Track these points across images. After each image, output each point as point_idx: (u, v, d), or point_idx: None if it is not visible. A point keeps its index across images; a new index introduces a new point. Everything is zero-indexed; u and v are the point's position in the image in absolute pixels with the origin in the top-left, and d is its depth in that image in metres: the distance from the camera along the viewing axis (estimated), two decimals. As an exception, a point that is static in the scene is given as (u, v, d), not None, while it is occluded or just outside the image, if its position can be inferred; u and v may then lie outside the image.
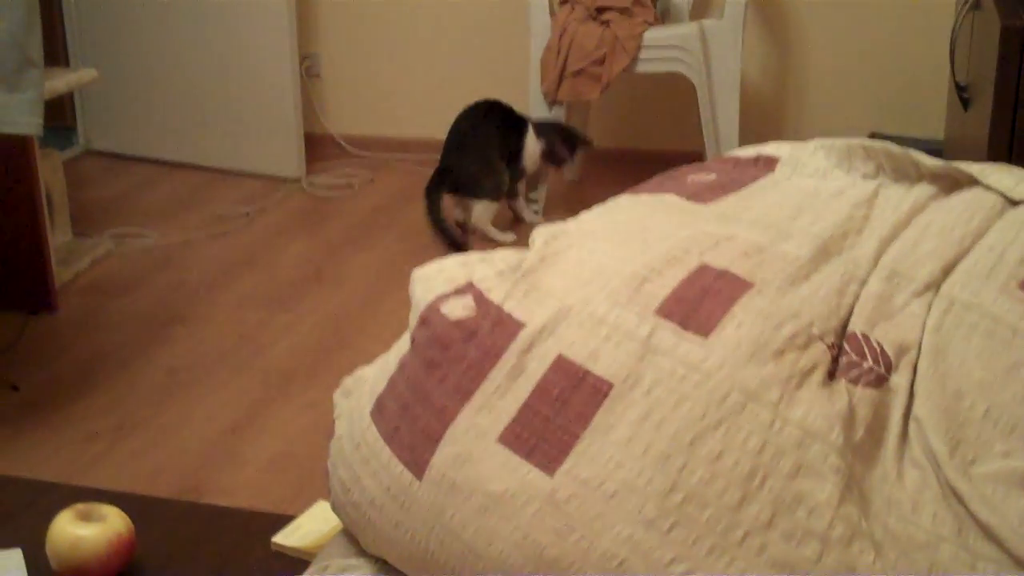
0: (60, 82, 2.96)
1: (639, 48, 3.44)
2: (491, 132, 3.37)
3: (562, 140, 3.46)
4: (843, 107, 3.91)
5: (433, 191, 3.31)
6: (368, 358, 2.30)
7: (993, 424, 1.01)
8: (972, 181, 1.22)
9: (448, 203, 3.38)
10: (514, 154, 3.42)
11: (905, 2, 3.75)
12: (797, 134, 3.99)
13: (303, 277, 3.24)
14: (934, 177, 1.24)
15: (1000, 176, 1.21)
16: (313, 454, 2.36)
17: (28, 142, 2.84)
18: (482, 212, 3.37)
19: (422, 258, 3.34)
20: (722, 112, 3.54)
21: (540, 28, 3.56)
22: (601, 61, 3.45)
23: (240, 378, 2.68)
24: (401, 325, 1.33)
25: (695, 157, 3.81)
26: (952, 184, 1.23)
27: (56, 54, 4.23)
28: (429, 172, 3.97)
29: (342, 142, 4.35)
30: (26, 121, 2.28)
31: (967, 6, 2.15)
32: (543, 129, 3.47)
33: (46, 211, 3.00)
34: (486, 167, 3.33)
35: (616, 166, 4.12)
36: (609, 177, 4.03)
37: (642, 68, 3.47)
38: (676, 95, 3.93)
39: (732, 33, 3.48)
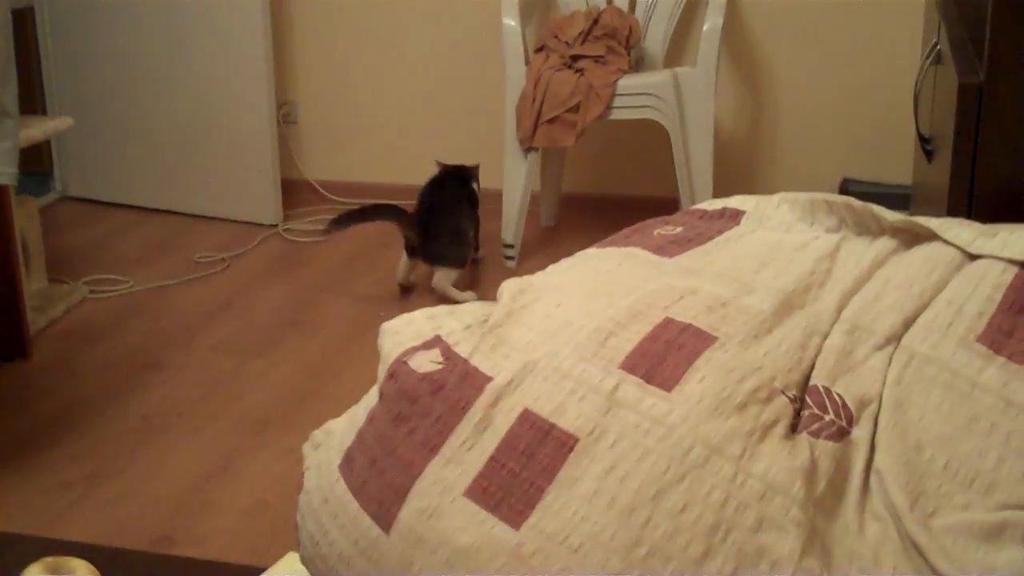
0: (37, 130, 2.97)
1: (613, 96, 3.48)
2: (458, 200, 3.41)
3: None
4: (815, 153, 3.95)
5: (376, 214, 3.35)
6: (343, 405, 2.30)
7: (953, 476, 1.03)
8: (932, 235, 1.24)
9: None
10: (474, 208, 3.51)
11: (875, 52, 3.80)
12: (770, 180, 4.03)
13: (279, 323, 3.24)
14: (895, 231, 1.26)
15: (959, 231, 1.23)
16: (288, 502, 2.35)
17: (3, 190, 2.85)
18: (443, 278, 3.38)
19: (398, 305, 3.36)
20: (696, 158, 3.57)
21: (515, 76, 3.59)
22: (576, 108, 3.48)
23: (215, 425, 2.67)
24: (376, 372, 1.34)
25: (669, 202, 3.84)
26: (912, 238, 1.25)
27: (33, 102, 4.24)
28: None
29: (319, 188, 4.37)
30: (1, 171, 2.28)
31: (929, 60, 2.19)
32: (469, 174, 3.61)
33: (21, 258, 3.00)
34: (454, 237, 3.35)
35: (591, 211, 4.15)
36: (584, 222, 4.05)
37: (616, 115, 3.50)
38: (650, 141, 3.97)
39: (705, 81, 3.52)
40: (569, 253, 1.68)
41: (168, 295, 3.46)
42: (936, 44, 2.18)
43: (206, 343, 3.12)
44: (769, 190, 4.00)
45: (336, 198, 4.33)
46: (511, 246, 3.67)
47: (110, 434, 2.63)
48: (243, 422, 2.68)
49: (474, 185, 3.57)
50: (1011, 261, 1.20)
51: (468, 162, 3.66)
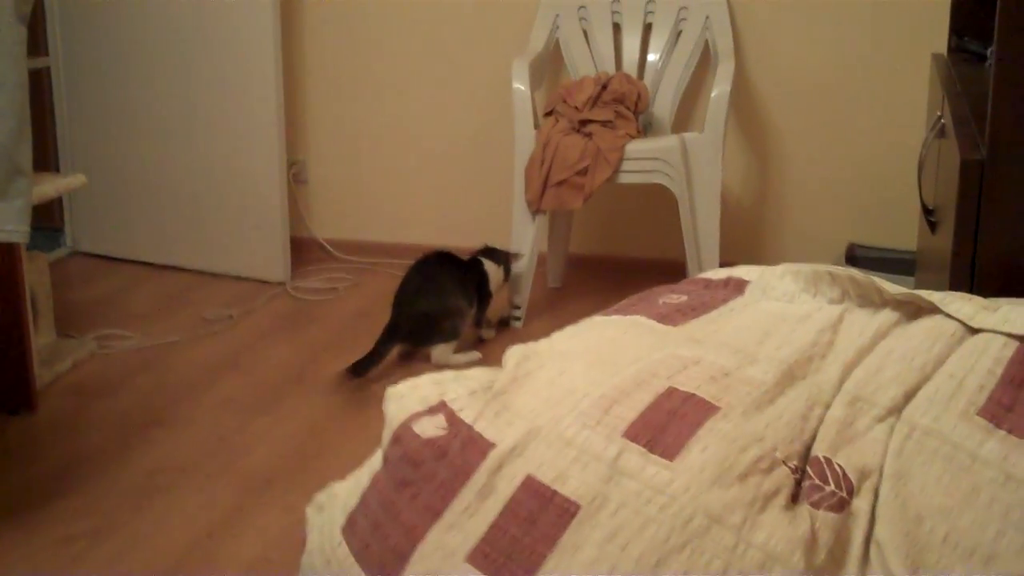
0: (49, 187, 3.00)
1: (621, 160, 3.51)
2: (446, 275, 3.39)
3: (508, 259, 3.59)
4: (821, 219, 3.98)
5: (384, 345, 3.27)
6: (347, 464, 2.31)
7: (953, 549, 1.03)
8: (934, 309, 1.26)
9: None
10: (479, 289, 3.48)
11: (881, 121, 3.84)
12: (777, 244, 4.04)
13: (285, 380, 3.25)
14: (897, 304, 1.28)
15: (960, 305, 1.24)
16: (291, 560, 2.35)
17: (14, 246, 2.87)
18: (441, 353, 3.37)
19: (404, 363, 3.37)
20: (703, 223, 3.59)
21: (524, 139, 3.63)
22: (584, 172, 3.51)
23: (219, 482, 2.68)
24: (381, 433, 1.35)
25: (676, 266, 3.86)
26: (915, 311, 1.27)
27: (47, 159, 4.29)
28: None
29: (327, 246, 4.40)
30: (13, 229, 2.31)
31: (933, 132, 2.21)
32: (492, 255, 3.57)
33: (30, 312, 3.02)
34: (443, 310, 3.34)
35: (598, 273, 4.17)
36: (591, 284, 4.07)
37: (624, 179, 3.53)
38: (658, 205, 3.99)
39: (713, 146, 3.55)
40: (575, 314, 1.69)
41: (175, 351, 3.48)
42: (940, 117, 2.21)
43: (212, 400, 3.13)
44: (776, 254, 4.02)
45: (345, 256, 4.36)
46: (518, 307, 3.68)
47: (114, 489, 2.64)
48: (247, 479, 2.69)
49: (487, 263, 3.53)
50: (1012, 336, 1.21)
51: (490, 241, 3.67)
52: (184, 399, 3.13)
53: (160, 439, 2.89)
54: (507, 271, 3.59)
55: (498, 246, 3.64)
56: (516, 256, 3.62)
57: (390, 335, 3.29)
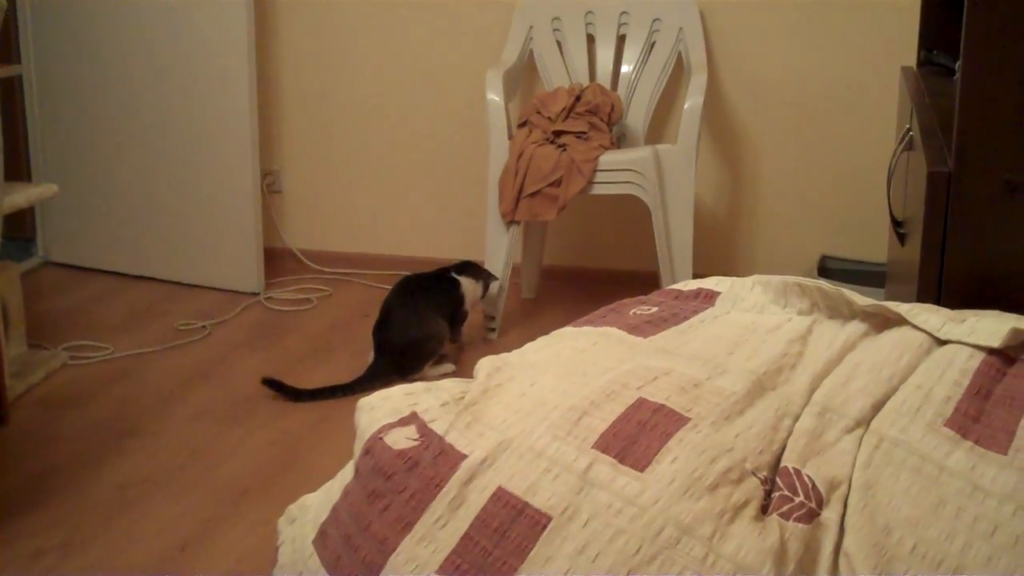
0: (20, 196, 2.99)
1: (595, 171, 3.52)
2: (423, 301, 3.37)
3: (487, 276, 3.58)
4: (794, 230, 4.00)
5: (362, 384, 3.24)
6: (320, 476, 2.30)
7: (921, 559, 1.04)
8: (902, 320, 1.27)
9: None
10: (455, 306, 3.47)
11: (852, 133, 3.86)
12: (750, 255, 4.06)
13: (259, 392, 3.24)
14: (866, 316, 1.29)
15: (927, 316, 1.26)
16: (264, 572, 2.34)
17: (-14, 255, 2.86)
18: (429, 371, 3.37)
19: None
20: (676, 234, 3.61)
21: (498, 150, 3.64)
22: (558, 183, 3.52)
23: (191, 494, 2.66)
24: (353, 444, 1.35)
25: (648, 276, 3.87)
26: (883, 322, 1.28)
27: (18, 168, 4.26)
28: (386, 289, 4.00)
29: (301, 257, 4.39)
30: (-16, 238, 2.30)
31: (902, 145, 2.23)
32: (471, 271, 3.55)
33: (1, 323, 3.00)
34: (424, 337, 3.32)
35: (571, 284, 4.17)
36: (565, 294, 4.08)
37: (598, 190, 3.54)
38: (631, 216, 4.01)
39: (686, 158, 3.56)
40: (549, 325, 1.70)
41: (148, 362, 3.46)
42: (909, 130, 2.23)
43: (185, 411, 3.12)
44: (749, 265, 4.04)
45: (318, 267, 4.35)
46: (492, 318, 3.68)
47: (86, 502, 2.62)
48: (220, 492, 2.68)
49: (464, 280, 3.51)
50: (978, 347, 1.23)
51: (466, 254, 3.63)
52: (157, 411, 3.11)
53: (132, 451, 2.88)
54: (485, 287, 3.58)
55: (478, 262, 3.63)
56: (493, 277, 3.62)
57: (372, 377, 3.28)
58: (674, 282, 3.53)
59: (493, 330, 3.69)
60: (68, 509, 2.59)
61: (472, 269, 3.57)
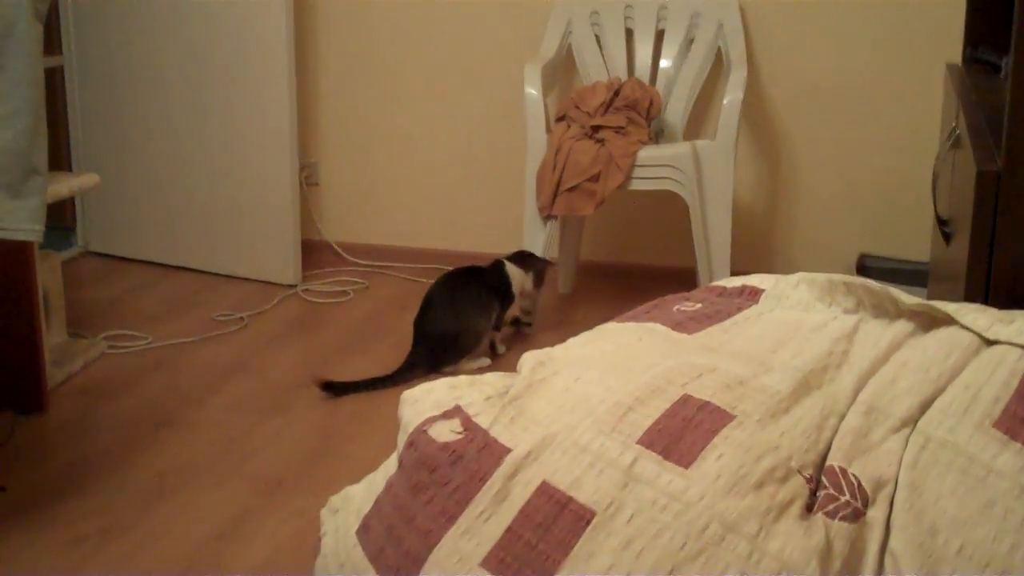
0: (63, 186, 3.01)
1: (633, 166, 3.51)
2: (464, 295, 3.37)
3: (541, 266, 3.58)
4: (833, 228, 3.97)
5: (400, 375, 3.26)
6: (357, 467, 2.31)
7: (967, 560, 1.03)
8: (949, 320, 1.26)
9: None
10: (501, 293, 3.47)
11: (895, 130, 3.83)
12: (788, 253, 4.04)
13: (295, 383, 3.25)
14: (912, 315, 1.27)
15: (975, 316, 1.24)
16: (299, 563, 2.35)
17: (28, 245, 2.88)
18: (465, 364, 3.39)
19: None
20: (714, 230, 3.59)
21: (536, 144, 3.63)
22: (596, 178, 3.51)
23: (228, 484, 2.68)
24: (391, 435, 1.35)
25: (686, 273, 3.85)
26: (930, 322, 1.27)
27: (60, 158, 4.30)
28: (423, 282, 4.02)
29: (338, 249, 4.40)
30: (28, 228, 2.31)
31: (948, 143, 2.21)
32: (521, 262, 3.55)
33: (42, 312, 3.03)
34: (462, 331, 3.33)
35: (608, 280, 4.17)
36: (601, 291, 4.07)
37: (636, 186, 3.53)
38: (669, 212, 3.99)
39: (724, 154, 3.55)
40: (586, 321, 1.69)
41: (186, 352, 3.48)
42: (955, 128, 2.21)
43: (222, 402, 3.13)
44: (787, 263, 4.02)
45: (355, 260, 4.36)
46: (528, 312, 3.68)
47: (123, 490, 2.64)
48: (256, 482, 2.69)
49: (510, 266, 3.52)
50: (1028, 347, 1.21)
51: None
52: (194, 401, 3.13)
53: (170, 440, 2.90)
54: (538, 278, 3.57)
55: (536, 253, 3.61)
56: (549, 264, 3.60)
57: (408, 368, 3.29)
58: (712, 279, 3.52)
59: (529, 324, 3.69)
60: (106, 497, 2.61)
61: (522, 259, 3.56)
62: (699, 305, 1.39)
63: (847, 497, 1.08)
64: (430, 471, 1.12)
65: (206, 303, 3.91)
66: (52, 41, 4.24)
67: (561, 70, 4.01)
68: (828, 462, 1.12)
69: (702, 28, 3.88)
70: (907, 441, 1.15)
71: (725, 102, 3.56)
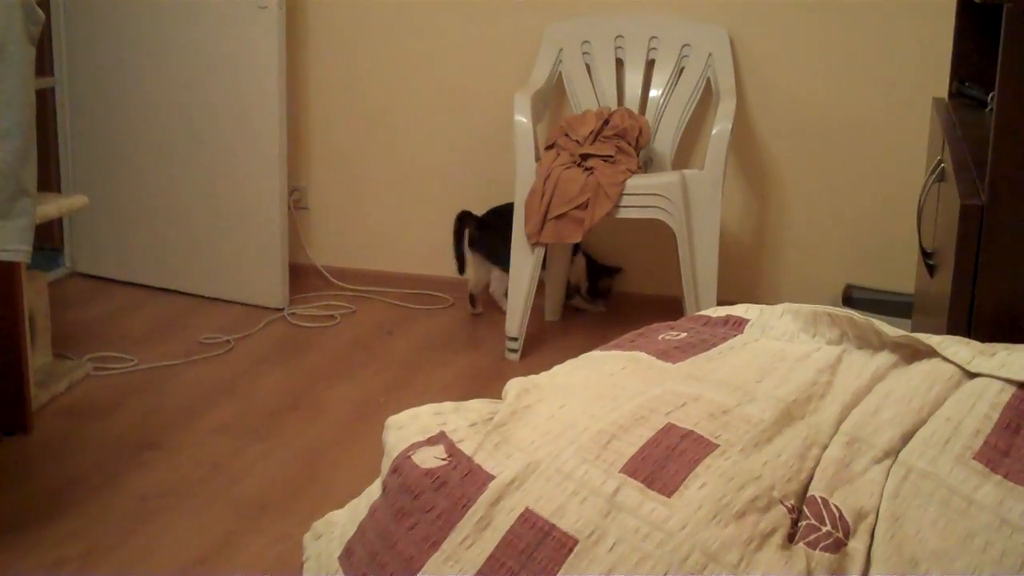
0: (51, 207, 3.01)
1: (621, 195, 3.52)
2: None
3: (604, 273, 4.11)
4: (819, 259, 3.99)
5: (462, 222, 3.98)
6: (341, 492, 2.30)
7: (947, 592, 1.04)
8: (932, 352, 1.26)
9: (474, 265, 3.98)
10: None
11: (881, 163, 3.86)
12: (774, 283, 4.06)
13: (280, 407, 3.25)
14: (896, 346, 1.28)
15: (958, 349, 1.25)
16: (281, 589, 2.35)
17: (15, 265, 2.88)
18: (497, 283, 3.95)
19: (401, 393, 3.37)
20: (701, 260, 3.60)
21: (526, 172, 3.64)
22: (584, 206, 3.52)
23: (212, 507, 2.67)
24: (377, 459, 1.35)
25: (673, 302, 3.86)
26: (913, 354, 1.28)
27: (48, 179, 4.30)
28: (410, 308, 4.03)
29: (326, 274, 4.40)
30: (15, 248, 2.32)
31: (933, 176, 2.23)
32: (594, 263, 4.09)
33: (27, 332, 3.02)
34: (508, 243, 3.68)
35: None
36: (588, 318, 4.08)
37: (624, 214, 3.54)
38: (656, 241, 4.01)
39: (713, 184, 3.56)
40: (572, 348, 1.69)
41: (171, 375, 3.48)
42: (940, 162, 2.23)
43: (207, 425, 3.13)
44: (773, 292, 4.03)
45: (343, 284, 4.37)
46: (515, 339, 3.69)
47: (107, 513, 2.63)
48: (240, 506, 2.68)
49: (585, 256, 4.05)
50: (1009, 381, 1.22)
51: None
52: (179, 423, 3.13)
53: (154, 463, 2.89)
54: (593, 283, 4.09)
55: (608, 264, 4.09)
56: (616, 272, 4.12)
57: (464, 218, 3.95)
58: (698, 308, 3.53)
59: (515, 351, 3.69)
60: (89, 519, 2.60)
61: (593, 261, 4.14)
62: (684, 334, 1.39)
63: (828, 527, 1.09)
64: (413, 497, 1.13)
65: (192, 326, 3.91)
66: (44, 63, 4.25)
67: (551, 98, 4.03)
68: (810, 492, 1.13)
69: (692, 59, 3.91)
70: (889, 472, 1.16)
71: (714, 132, 3.58)
